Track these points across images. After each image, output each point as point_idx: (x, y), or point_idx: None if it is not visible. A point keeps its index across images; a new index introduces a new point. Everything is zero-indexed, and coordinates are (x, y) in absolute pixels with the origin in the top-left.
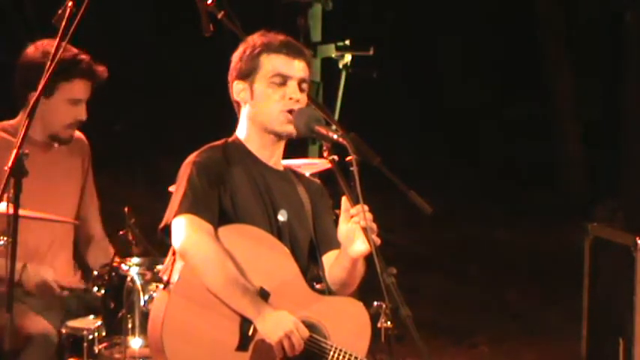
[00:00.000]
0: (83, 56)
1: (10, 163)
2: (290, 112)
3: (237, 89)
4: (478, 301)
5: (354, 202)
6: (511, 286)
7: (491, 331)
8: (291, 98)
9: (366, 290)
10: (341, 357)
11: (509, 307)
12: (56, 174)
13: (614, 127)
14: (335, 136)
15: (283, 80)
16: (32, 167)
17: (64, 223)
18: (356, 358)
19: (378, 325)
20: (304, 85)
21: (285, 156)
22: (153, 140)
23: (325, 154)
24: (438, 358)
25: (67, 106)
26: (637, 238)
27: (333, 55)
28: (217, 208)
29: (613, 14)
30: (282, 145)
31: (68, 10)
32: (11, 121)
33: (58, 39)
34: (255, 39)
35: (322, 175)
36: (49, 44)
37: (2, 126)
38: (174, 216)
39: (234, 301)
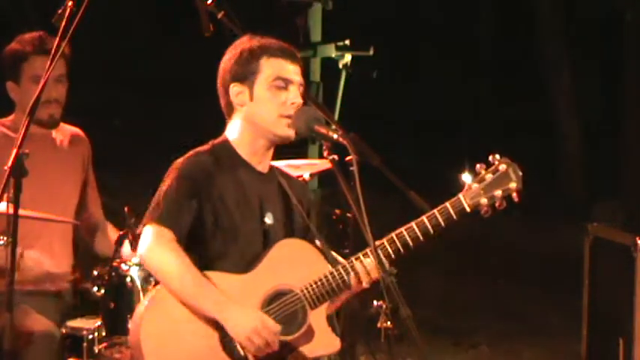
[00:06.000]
0: (35, 35)
1: (9, 163)
2: (290, 117)
3: (235, 92)
4: (478, 301)
5: (354, 202)
6: (511, 286)
7: (491, 331)
8: (293, 103)
9: (366, 290)
10: (311, 291)
11: (510, 307)
12: (56, 170)
13: (614, 127)
14: (335, 136)
15: (285, 84)
16: (32, 164)
17: (63, 223)
18: (321, 279)
19: (378, 325)
20: (301, 89)
21: (285, 156)
22: (153, 140)
23: (325, 153)
24: (438, 358)
25: (33, 85)
26: (637, 238)
27: (333, 55)
28: (189, 219)
29: (613, 14)
30: (272, 148)
31: (68, 10)
32: (9, 117)
33: (57, 39)
34: (250, 42)
35: (322, 175)
36: (28, 34)
37: (1, 122)
38: (145, 223)
39: (198, 307)
